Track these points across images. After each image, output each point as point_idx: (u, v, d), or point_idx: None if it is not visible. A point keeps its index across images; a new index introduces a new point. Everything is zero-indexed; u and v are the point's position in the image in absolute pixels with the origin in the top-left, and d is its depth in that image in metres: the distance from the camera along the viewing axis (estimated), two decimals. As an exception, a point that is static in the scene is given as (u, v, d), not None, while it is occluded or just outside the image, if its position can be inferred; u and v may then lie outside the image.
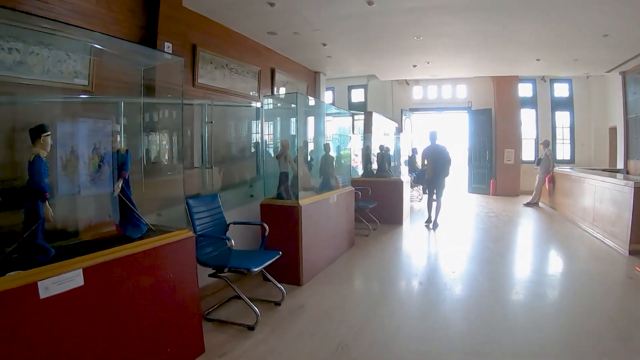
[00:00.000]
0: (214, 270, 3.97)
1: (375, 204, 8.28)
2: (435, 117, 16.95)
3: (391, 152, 10.27)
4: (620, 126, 12.48)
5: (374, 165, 9.82)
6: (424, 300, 4.82)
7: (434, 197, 8.76)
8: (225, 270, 3.92)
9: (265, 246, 4.62)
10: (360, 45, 9.98)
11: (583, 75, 13.81)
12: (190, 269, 3.25)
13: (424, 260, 6.57)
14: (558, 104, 14.73)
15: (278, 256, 4.31)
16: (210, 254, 4.24)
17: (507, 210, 11.17)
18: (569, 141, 14.73)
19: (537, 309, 4.44)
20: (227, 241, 3.92)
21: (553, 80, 14.68)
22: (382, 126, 12.18)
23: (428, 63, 11.79)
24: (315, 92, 13.26)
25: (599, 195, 7.85)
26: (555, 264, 6.37)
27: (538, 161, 11.60)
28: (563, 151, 14.58)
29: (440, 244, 7.69)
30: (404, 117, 14.81)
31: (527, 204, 11.59)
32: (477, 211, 11.02)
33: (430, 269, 6.06)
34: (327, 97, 15.62)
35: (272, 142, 6.46)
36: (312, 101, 8.64)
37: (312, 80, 13.15)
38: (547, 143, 11.70)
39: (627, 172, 11.10)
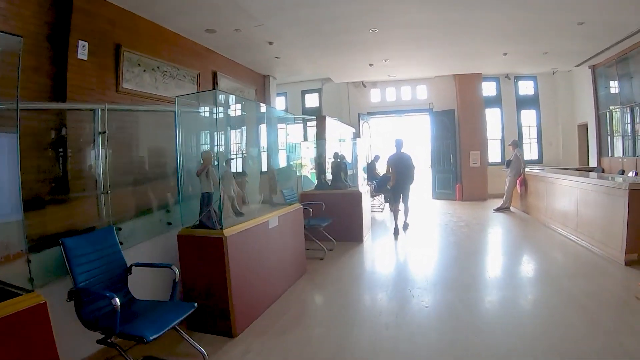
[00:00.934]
0: (103, 335, 2.85)
1: (330, 220, 7.13)
2: (395, 121, 16.00)
3: (349, 160, 9.16)
4: (592, 122, 11.78)
5: (329, 176, 8.64)
6: (392, 347, 3.67)
7: (401, 203, 8.66)
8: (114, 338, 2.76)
9: (181, 293, 3.50)
10: (309, 41, 8.93)
11: (550, 71, 13.18)
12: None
13: (390, 289, 5.33)
14: (523, 103, 14.01)
15: (192, 310, 3.13)
16: (100, 311, 3.02)
17: (477, 217, 10.20)
18: (535, 140, 14.02)
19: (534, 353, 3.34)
20: (111, 300, 2.66)
21: (518, 78, 13.96)
22: (338, 132, 11.14)
23: (385, 61, 10.82)
24: (265, 97, 12.26)
25: (582, 198, 6.94)
26: (545, 283, 5.25)
27: (507, 163, 10.69)
28: (530, 151, 13.81)
29: (408, 264, 6.57)
30: (361, 121, 13.78)
31: (498, 209, 10.67)
32: (445, 220, 9.99)
33: (398, 302, 4.84)
34: (279, 103, 14.70)
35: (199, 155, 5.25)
36: (247, 104, 7.39)
37: (261, 85, 12.16)
38: (515, 143, 10.83)
39: (603, 171, 10.31)
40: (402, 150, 8.58)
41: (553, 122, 13.78)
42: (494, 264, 6.44)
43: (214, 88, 9.27)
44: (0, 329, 2.08)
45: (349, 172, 8.92)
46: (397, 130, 16.02)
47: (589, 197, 6.71)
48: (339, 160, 8.34)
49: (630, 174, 8.67)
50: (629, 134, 10.13)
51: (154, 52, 7.35)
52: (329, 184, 8.32)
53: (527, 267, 6.11)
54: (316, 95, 14.94)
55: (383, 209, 11.87)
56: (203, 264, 4.01)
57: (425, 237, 8.49)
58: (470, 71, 12.72)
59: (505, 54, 10.36)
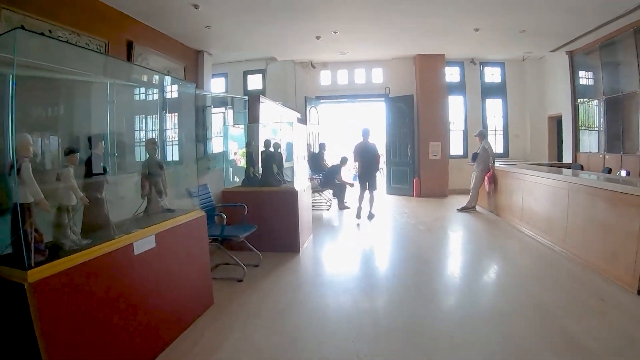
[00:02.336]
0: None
1: (254, 228, 5.41)
2: (348, 107, 14.45)
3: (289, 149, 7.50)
4: (567, 114, 10.52)
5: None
6: None
7: (367, 191, 8.59)
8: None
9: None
10: (242, 5, 7.27)
11: (520, 57, 11.95)
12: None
13: (327, 337, 3.59)
14: (489, 91, 12.71)
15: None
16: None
17: (439, 218, 8.68)
18: (501, 132, 12.78)
19: None
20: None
21: (484, 64, 12.64)
22: (279, 116, 9.43)
23: (335, 33, 9.09)
24: (197, 76, 10.48)
25: (575, 203, 5.54)
26: (540, 326, 3.70)
27: (473, 156, 9.21)
28: (495, 144, 12.33)
29: (354, 293, 4.73)
30: (308, 106, 12.05)
31: (462, 209, 9.18)
32: (401, 221, 8.41)
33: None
34: (219, 84, 13.04)
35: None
36: (114, 64, 5.32)
37: (193, 62, 10.34)
38: (483, 134, 9.36)
39: (582, 168, 8.99)
40: (368, 140, 8.52)
41: (520, 113, 12.56)
42: (469, 295, 4.72)
43: (129, 60, 7.50)
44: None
45: (288, 165, 7.26)
46: (348, 117, 14.53)
47: (585, 203, 5.27)
48: (271, 150, 6.57)
49: (622, 173, 7.32)
50: (612, 129, 8.88)
51: (46, 12, 5.71)
52: (259, 179, 6.55)
53: (515, 300, 4.46)
54: (260, 76, 13.21)
55: (330, 206, 10.17)
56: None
57: (379, 245, 6.92)
58: (434, 51, 11.21)
59: (476, 30, 8.83)
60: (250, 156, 6.60)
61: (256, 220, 5.75)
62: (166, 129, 4.91)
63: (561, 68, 10.86)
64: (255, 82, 13.21)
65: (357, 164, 8.83)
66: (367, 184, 8.54)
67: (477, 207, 9.34)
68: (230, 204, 6.01)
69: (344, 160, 10.27)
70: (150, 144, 3.93)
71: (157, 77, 5.36)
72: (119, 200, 3.82)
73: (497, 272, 5.24)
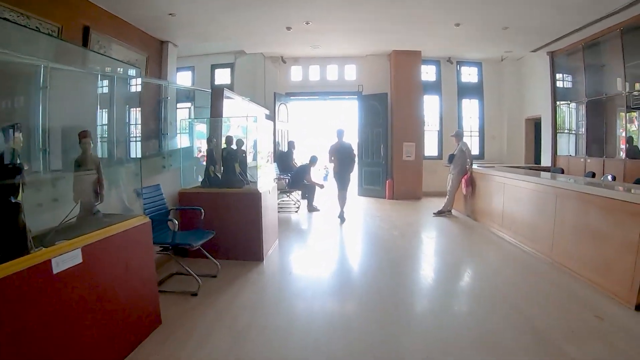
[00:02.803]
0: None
1: (211, 235, 4.78)
2: (319, 105, 13.89)
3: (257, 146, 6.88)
4: (547, 117, 10.18)
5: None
6: None
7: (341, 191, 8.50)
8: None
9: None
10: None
11: (498, 57, 11.64)
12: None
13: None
14: (466, 91, 12.32)
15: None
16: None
17: (413, 223, 8.16)
18: (477, 133, 12.41)
19: None
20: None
21: (461, 63, 12.26)
22: (245, 112, 8.78)
23: (307, 23, 8.49)
24: (160, 68, 9.78)
25: (563, 210, 5.11)
26: (552, 353, 3.17)
27: (450, 158, 8.71)
28: (471, 145, 11.81)
29: (325, 306, 4.18)
30: (277, 102, 11.41)
31: (438, 213, 8.67)
32: (374, 226, 7.87)
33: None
34: (185, 78, 12.31)
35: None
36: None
37: (157, 53, 9.65)
38: (460, 135, 8.88)
39: (562, 172, 8.60)
40: (343, 140, 8.54)
41: (497, 114, 12.22)
42: (453, 316, 4.14)
43: (85, 46, 6.80)
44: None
45: (254, 164, 6.64)
46: (320, 114, 13.99)
47: (576, 210, 4.81)
48: (233, 147, 5.92)
49: (609, 178, 6.93)
50: (593, 132, 8.57)
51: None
52: (220, 179, 5.89)
53: (504, 319, 3.90)
54: (228, 70, 12.49)
55: (299, 208, 9.56)
56: None
57: (350, 253, 6.37)
58: (410, 47, 10.74)
59: (457, 25, 8.35)
60: (210, 154, 5.91)
61: (216, 225, 5.14)
62: (107, 121, 4.24)
63: (540, 69, 10.53)
64: (223, 76, 12.50)
65: (332, 164, 8.70)
66: (343, 183, 8.50)
67: (454, 211, 8.87)
68: (186, 207, 5.40)
69: (313, 160, 9.67)
70: (83, 138, 3.26)
71: (96, 58, 4.66)
72: (50, 204, 3.20)
73: (481, 286, 4.68)
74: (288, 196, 9.71)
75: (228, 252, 5.43)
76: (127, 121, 4.15)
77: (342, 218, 8.37)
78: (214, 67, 12.55)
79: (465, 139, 9.01)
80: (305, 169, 9.42)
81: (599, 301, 4.02)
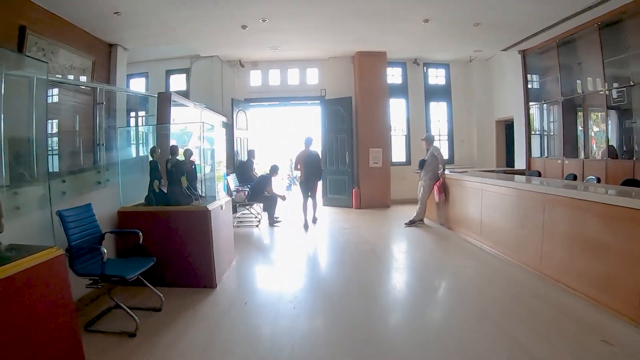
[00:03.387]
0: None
1: (151, 262, 4.00)
2: (280, 111, 13.27)
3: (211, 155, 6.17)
4: (519, 118, 9.80)
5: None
6: None
7: (309, 198, 8.57)
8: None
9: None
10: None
11: (469, 56, 11.21)
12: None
13: None
14: (433, 93, 11.87)
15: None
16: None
17: (384, 235, 7.55)
18: (446, 137, 11.95)
19: None
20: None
21: (427, 65, 11.82)
22: (198, 119, 8.03)
23: (264, 21, 7.80)
24: (109, 73, 8.94)
25: (553, 218, 4.63)
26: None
27: (421, 164, 8.13)
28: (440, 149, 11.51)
29: (288, 346, 3.41)
30: (235, 109, 10.66)
31: (410, 223, 8.05)
32: (341, 240, 7.19)
33: None
34: (138, 84, 11.53)
35: None
36: None
37: (104, 57, 8.80)
38: (430, 139, 8.35)
39: (539, 174, 8.15)
40: (310, 148, 8.63)
41: (466, 117, 11.80)
42: (436, 349, 3.50)
43: (20, 50, 6.02)
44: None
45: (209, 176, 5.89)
46: (282, 120, 13.42)
47: (568, 218, 4.28)
48: (179, 158, 5.15)
49: (594, 179, 6.47)
50: (569, 132, 8.20)
51: None
52: (165, 195, 5.11)
53: (499, 350, 3.29)
54: (184, 76, 11.72)
55: (260, 221, 8.79)
56: None
57: (317, 274, 5.61)
58: (375, 48, 10.20)
59: (426, 21, 7.80)
60: (154, 167, 5.15)
61: (160, 249, 4.47)
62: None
63: (511, 69, 10.17)
64: (178, 82, 11.72)
65: (299, 172, 8.78)
66: (310, 192, 8.54)
67: (426, 220, 8.29)
68: (121, 230, 4.63)
69: (274, 170, 8.96)
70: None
71: None
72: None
73: (466, 307, 4.04)
74: (248, 209, 8.97)
75: (175, 279, 4.69)
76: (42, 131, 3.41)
77: (313, 219, 8.63)
78: (169, 72, 11.78)
79: (435, 143, 8.45)
80: (265, 180, 8.69)
81: (602, 321, 3.46)
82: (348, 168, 10.68)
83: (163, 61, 11.43)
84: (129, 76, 10.91)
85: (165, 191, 5.04)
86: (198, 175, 5.33)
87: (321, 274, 5.52)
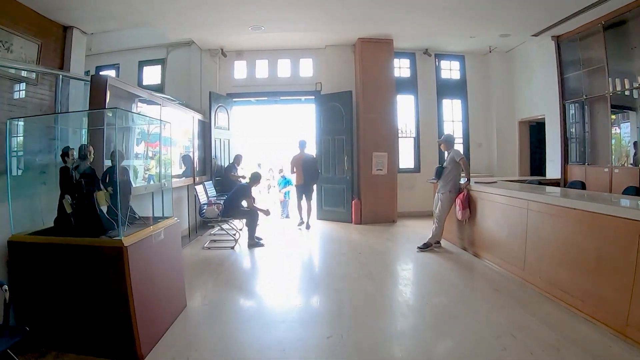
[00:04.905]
0: None
1: (17, 338, 2.42)
2: (268, 109, 11.77)
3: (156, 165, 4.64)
4: (553, 117, 8.16)
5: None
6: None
7: (304, 201, 8.46)
8: None
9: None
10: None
11: (490, 45, 9.58)
12: None
13: None
14: (446, 89, 10.27)
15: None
16: None
17: (393, 265, 5.92)
18: (461, 140, 10.30)
19: None
20: None
21: (440, 56, 10.21)
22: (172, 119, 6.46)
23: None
24: (63, 59, 7.40)
25: None
26: None
27: (438, 172, 6.45)
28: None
29: None
30: (214, 105, 8.98)
31: (424, 247, 6.38)
32: (338, 272, 5.46)
33: None
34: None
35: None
36: None
37: (57, 40, 7.31)
38: (451, 141, 6.69)
39: (584, 186, 6.53)
40: (305, 151, 8.54)
41: (484, 116, 10.25)
42: None
43: None
44: None
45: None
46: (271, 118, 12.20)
47: None
48: (86, 163, 3.43)
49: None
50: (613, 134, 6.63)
51: None
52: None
53: None
54: (159, 68, 10.17)
55: (236, 242, 7.03)
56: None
57: (303, 335, 3.73)
58: (380, 34, 8.62)
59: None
60: (66, 176, 3.45)
61: (58, 301, 3.01)
62: None
63: (539, 60, 8.67)
64: (152, 75, 10.21)
65: (294, 175, 8.63)
66: (305, 195, 8.44)
67: (443, 241, 6.66)
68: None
69: (255, 178, 7.28)
70: None
71: None
72: None
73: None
74: (221, 227, 7.31)
75: (78, 343, 3.10)
76: None
77: (306, 226, 8.41)
78: (142, 64, 10.26)
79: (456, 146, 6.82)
80: (243, 191, 6.96)
81: None
82: (347, 175, 9.02)
83: (136, 51, 10.01)
84: (98, 68, 9.57)
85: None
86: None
87: (309, 342, 3.67)
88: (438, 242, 6.55)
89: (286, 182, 12.28)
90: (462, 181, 6.27)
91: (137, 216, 3.86)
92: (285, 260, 6.12)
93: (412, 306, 4.27)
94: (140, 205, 4.30)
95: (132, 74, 10.06)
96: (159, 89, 9.63)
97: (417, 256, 6.14)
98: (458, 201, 6.14)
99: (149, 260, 3.38)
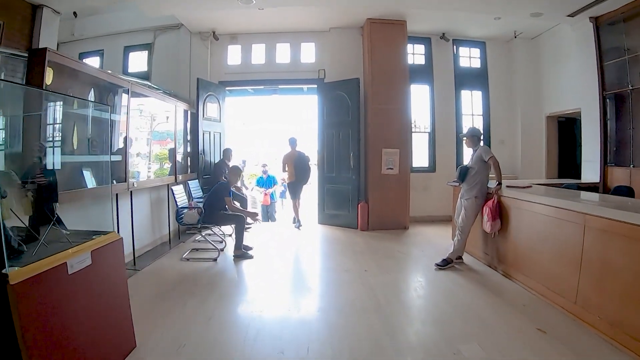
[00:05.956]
0: None
1: None
2: (265, 100, 10.88)
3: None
4: (592, 111, 7.03)
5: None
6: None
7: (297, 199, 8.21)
8: None
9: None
10: None
11: (515, 30, 8.50)
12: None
13: None
14: (465, 79, 9.18)
15: None
16: None
17: (404, 286, 4.89)
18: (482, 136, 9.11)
19: None
20: None
21: (458, 42, 9.14)
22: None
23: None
24: (31, 41, 6.55)
25: None
26: None
27: (463, 173, 5.38)
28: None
29: None
30: (202, 93, 7.92)
31: (444, 264, 5.29)
32: (340, 299, 4.39)
33: None
34: (92, 64, 9.07)
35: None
36: None
37: (24, 19, 6.49)
38: (477, 135, 5.58)
39: (631, 192, 5.46)
40: (297, 149, 8.29)
41: (507, 110, 9.15)
42: None
43: None
44: None
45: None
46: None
47: None
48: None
49: None
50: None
51: None
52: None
53: None
54: (145, 53, 9.31)
55: (222, 250, 6.05)
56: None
57: None
58: (392, 13, 7.58)
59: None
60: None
61: None
62: None
63: (571, 47, 7.60)
64: (138, 61, 9.38)
65: (286, 172, 8.30)
66: (297, 193, 8.24)
67: (466, 256, 5.61)
68: None
69: (235, 172, 6.22)
70: None
71: None
72: None
73: None
74: (202, 235, 6.26)
75: None
76: None
77: (298, 222, 8.15)
78: (127, 49, 9.43)
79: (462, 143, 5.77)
80: (221, 190, 5.88)
81: None
82: (353, 175, 7.96)
83: (121, 35, 9.23)
84: (82, 55, 8.91)
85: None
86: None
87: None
88: (460, 257, 5.50)
89: (270, 182, 11.16)
90: (492, 185, 5.19)
91: (65, 231, 2.85)
92: (274, 277, 5.09)
93: (433, 353, 3.18)
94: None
95: (117, 60, 9.30)
96: (146, 76, 8.78)
97: (436, 276, 5.04)
98: (486, 209, 5.05)
99: (62, 298, 2.35)
